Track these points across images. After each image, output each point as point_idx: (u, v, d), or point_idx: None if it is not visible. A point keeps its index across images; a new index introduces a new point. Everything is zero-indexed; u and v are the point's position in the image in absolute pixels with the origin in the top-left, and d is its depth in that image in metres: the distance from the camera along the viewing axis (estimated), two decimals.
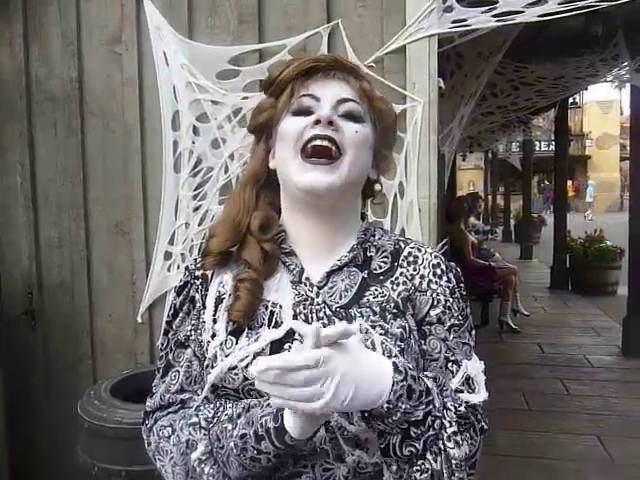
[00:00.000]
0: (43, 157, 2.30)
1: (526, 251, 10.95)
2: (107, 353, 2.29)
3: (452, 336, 0.85)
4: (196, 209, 2.15)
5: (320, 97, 0.84)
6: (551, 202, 19.16)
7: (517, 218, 13.57)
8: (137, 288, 2.22)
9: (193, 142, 2.12)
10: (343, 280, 0.86)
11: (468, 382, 0.83)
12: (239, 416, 0.77)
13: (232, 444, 0.76)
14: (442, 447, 0.74)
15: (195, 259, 0.93)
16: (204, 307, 0.87)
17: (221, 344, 0.82)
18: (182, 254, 2.17)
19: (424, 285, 0.87)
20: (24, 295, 2.32)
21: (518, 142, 12.15)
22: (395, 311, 0.84)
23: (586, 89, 7.83)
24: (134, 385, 1.93)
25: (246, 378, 0.78)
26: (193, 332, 0.87)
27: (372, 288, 0.86)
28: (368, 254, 0.90)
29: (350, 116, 0.84)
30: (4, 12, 2.26)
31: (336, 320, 0.82)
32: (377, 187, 0.97)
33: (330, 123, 0.81)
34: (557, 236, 8.36)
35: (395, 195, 2.00)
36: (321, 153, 0.81)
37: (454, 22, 1.91)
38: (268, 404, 0.74)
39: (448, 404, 0.76)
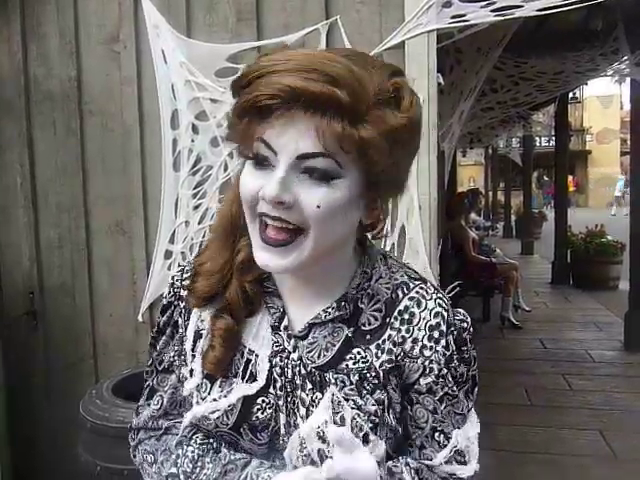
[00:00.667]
0: (42, 157, 2.30)
1: (527, 247, 10.94)
2: (108, 352, 2.29)
3: (443, 405, 0.76)
4: (196, 207, 2.15)
5: (276, 150, 0.64)
6: (552, 197, 19.14)
7: (518, 214, 13.56)
8: (138, 287, 2.22)
9: (192, 140, 2.12)
10: (325, 337, 0.76)
11: (458, 454, 0.77)
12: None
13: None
14: None
15: (182, 270, 0.85)
16: (186, 336, 0.82)
17: (197, 386, 0.79)
18: (182, 252, 2.17)
19: (416, 351, 0.75)
20: (25, 296, 2.32)
21: (518, 138, 12.16)
22: (375, 382, 0.74)
23: (586, 84, 7.83)
24: (136, 384, 1.92)
25: (217, 425, 0.77)
26: (177, 358, 0.83)
27: (355, 351, 0.75)
28: (359, 305, 0.77)
29: (316, 173, 0.64)
30: (2, 11, 2.26)
31: (309, 384, 0.75)
32: (380, 224, 0.78)
33: (280, 203, 0.64)
34: (558, 231, 8.35)
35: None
36: (272, 240, 0.67)
37: (453, 17, 1.90)
38: (244, 466, 0.74)
39: None
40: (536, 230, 12.68)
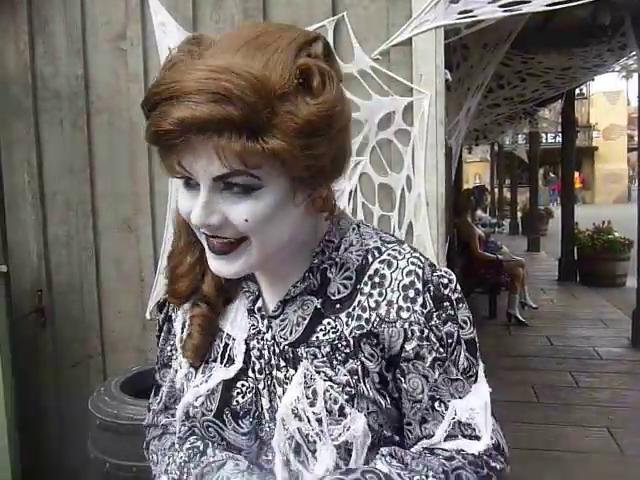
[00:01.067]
0: (50, 155, 2.30)
1: (533, 243, 10.91)
2: (116, 350, 2.30)
3: (437, 372, 0.71)
4: None
5: (194, 176, 0.63)
6: (558, 194, 19.06)
7: (524, 210, 13.52)
8: (145, 284, 2.22)
9: None
10: (295, 311, 0.74)
11: (460, 427, 0.71)
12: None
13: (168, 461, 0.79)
14: None
15: None
16: (175, 330, 0.84)
17: (186, 375, 0.80)
18: None
19: (392, 314, 0.70)
20: (33, 293, 2.33)
21: (524, 134, 12.09)
22: (347, 351, 0.71)
23: (593, 80, 7.78)
24: (144, 381, 1.94)
25: (204, 414, 0.77)
26: (174, 352, 0.85)
27: (325, 321, 0.73)
28: (328, 275, 0.74)
29: (236, 189, 0.62)
30: (9, 10, 2.26)
31: (282, 362, 0.74)
32: (331, 197, 0.73)
33: (209, 226, 0.64)
34: (565, 228, 8.32)
35: (403, 188, 1.99)
36: (218, 249, 0.67)
37: (461, 13, 1.89)
38: (219, 468, 0.74)
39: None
40: (542, 227, 12.66)
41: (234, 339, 0.77)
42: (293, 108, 0.59)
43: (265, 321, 0.76)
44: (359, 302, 0.72)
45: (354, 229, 0.77)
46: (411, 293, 0.70)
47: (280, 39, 0.62)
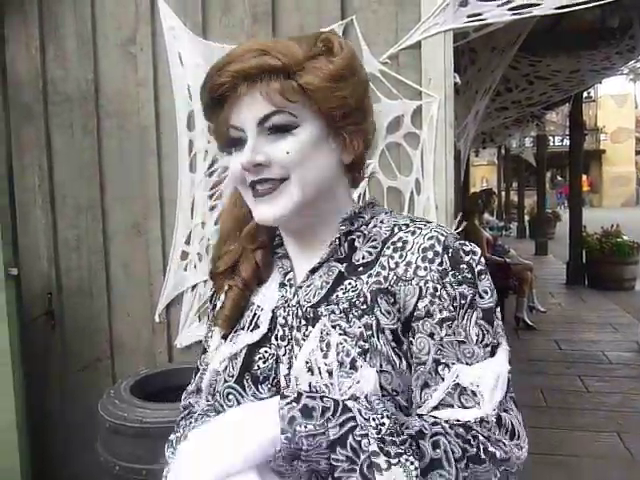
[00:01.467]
0: (60, 158, 2.32)
1: (541, 247, 10.86)
2: (125, 353, 2.31)
3: (444, 332, 0.70)
4: (212, 208, 2.16)
5: (241, 126, 0.74)
6: (565, 197, 18.98)
7: (531, 214, 13.47)
8: (154, 288, 2.23)
9: (208, 142, 2.12)
10: (320, 276, 0.79)
11: (461, 393, 0.69)
12: None
13: None
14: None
15: None
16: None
17: (217, 348, 0.85)
18: (198, 253, 2.18)
19: (410, 273, 0.72)
20: (43, 296, 2.35)
21: (531, 137, 12.06)
22: (364, 307, 0.73)
23: (600, 82, 7.75)
24: (153, 384, 1.94)
25: (226, 380, 0.79)
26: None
27: (346, 282, 0.77)
28: (355, 244, 0.79)
29: (279, 130, 0.73)
30: (20, 15, 2.28)
31: (303, 321, 0.77)
32: (363, 162, 0.83)
33: (258, 165, 0.73)
34: (573, 231, 8.28)
35: (412, 191, 1.99)
36: (260, 192, 0.75)
37: (469, 16, 1.89)
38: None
39: (370, 418, 0.64)
40: (550, 230, 12.60)
41: (262, 309, 0.82)
42: (317, 65, 0.73)
43: (293, 289, 0.81)
44: (380, 263, 0.76)
45: (387, 213, 0.83)
46: (430, 254, 0.72)
47: (307, 36, 0.78)
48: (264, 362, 0.78)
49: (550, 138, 17.74)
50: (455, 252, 0.72)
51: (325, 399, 0.66)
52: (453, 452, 0.64)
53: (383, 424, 0.63)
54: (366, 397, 0.68)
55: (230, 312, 0.82)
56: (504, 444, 0.68)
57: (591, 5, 1.79)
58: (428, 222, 0.79)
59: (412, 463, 0.61)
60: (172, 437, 0.86)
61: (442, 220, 1.94)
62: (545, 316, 6.18)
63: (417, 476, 0.61)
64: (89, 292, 2.32)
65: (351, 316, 0.73)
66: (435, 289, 0.71)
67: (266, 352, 0.78)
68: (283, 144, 0.73)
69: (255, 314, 0.82)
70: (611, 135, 26.61)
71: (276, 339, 0.78)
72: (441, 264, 0.71)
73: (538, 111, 7.31)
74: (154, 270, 2.23)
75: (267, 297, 0.82)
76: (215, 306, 0.90)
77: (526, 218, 14.04)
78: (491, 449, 0.67)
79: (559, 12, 1.88)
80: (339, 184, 0.80)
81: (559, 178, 25.58)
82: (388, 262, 0.75)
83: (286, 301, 0.80)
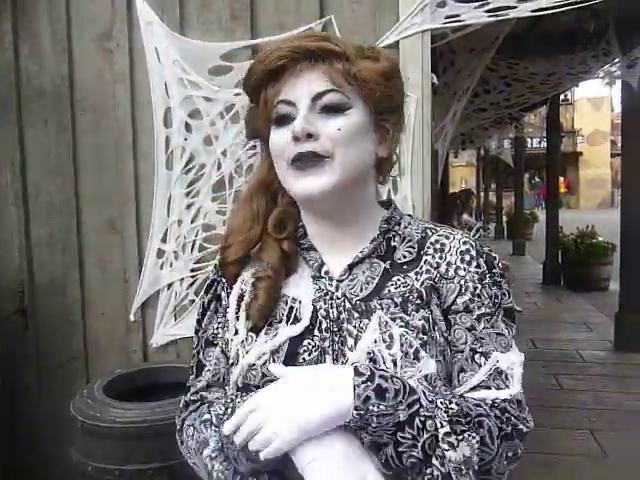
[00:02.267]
0: (34, 154, 2.28)
1: (518, 247, 11.00)
2: (100, 351, 2.27)
3: (482, 326, 0.80)
4: (189, 206, 2.14)
5: (294, 100, 0.78)
6: (543, 199, 19.23)
7: (509, 215, 13.62)
8: (130, 286, 2.20)
9: (185, 139, 2.11)
10: (364, 272, 0.83)
11: (500, 377, 0.78)
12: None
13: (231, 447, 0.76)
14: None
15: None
16: (229, 305, 0.87)
17: (242, 342, 0.83)
18: (175, 252, 2.16)
19: (451, 272, 0.82)
20: (15, 294, 2.30)
21: (510, 139, 12.19)
22: (418, 302, 0.80)
23: (577, 85, 7.87)
24: (127, 384, 1.92)
25: (265, 375, 0.78)
26: (220, 330, 0.88)
27: (394, 279, 0.82)
28: (392, 244, 0.85)
29: (331, 109, 0.78)
30: None
31: (355, 314, 0.79)
32: (393, 158, 0.90)
33: (309, 136, 0.76)
34: (549, 232, 8.39)
35: (389, 191, 1.99)
36: (304, 163, 0.78)
37: (447, 17, 1.90)
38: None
39: (438, 402, 0.71)
40: (527, 231, 12.76)
41: (300, 301, 0.82)
42: (370, 63, 0.80)
43: (334, 282, 0.83)
44: (425, 261, 0.83)
45: (409, 215, 0.92)
46: (467, 257, 0.82)
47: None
48: (309, 354, 0.79)
49: (528, 140, 17.97)
50: (488, 257, 0.84)
51: (395, 379, 0.70)
52: (493, 432, 0.72)
53: (452, 408, 0.70)
54: (430, 381, 0.75)
55: (264, 302, 0.82)
56: (527, 420, 0.78)
57: (565, 9, 1.81)
58: (447, 227, 0.89)
59: (474, 438, 0.70)
60: (188, 430, 0.85)
61: None
62: (521, 315, 6.25)
63: (478, 448, 0.70)
64: (62, 290, 2.29)
65: (409, 310, 0.79)
66: (475, 288, 0.81)
67: (310, 344, 0.79)
68: (335, 121, 0.77)
69: (292, 307, 0.82)
70: (587, 138, 27.06)
71: (320, 331, 0.80)
72: (478, 267, 0.82)
73: (516, 113, 7.40)
74: (129, 268, 2.21)
75: (302, 290, 0.83)
76: (220, 297, 0.89)
77: (504, 219, 14.20)
78: (520, 426, 0.76)
79: (535, 15, 1.90)
80: (371, 176, 0.85)
81: (537, 179, 25.92)
82: (431, 262, 0.83)
83: (326, 294, 0.82)
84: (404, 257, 0.84)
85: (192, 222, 2.13)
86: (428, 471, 0.69)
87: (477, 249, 0.84)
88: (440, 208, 5.14)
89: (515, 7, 1.88)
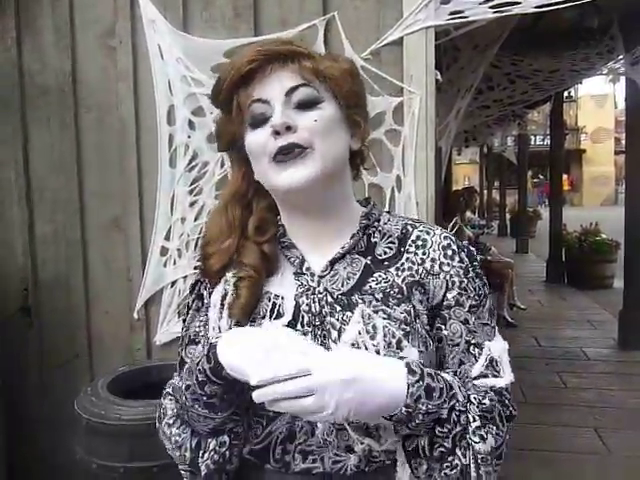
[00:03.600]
0: (37, 152, 2.28)
1: (522, 245, 10.97)
2: (103, 349, 2.28)
3: (473, 318, 0.83)
4: (192, 204, 2.14)
5: (268, 98, 0.80)
6: (546, 196, 19.19)
7: (513, 212, 13.58)
8: (133, 284, 2.21)
9: (189, 136, 2.11)
10: (345, 268, 0.85)
11: (493, 365, 0.82)
12: (188, 371, 0.81)
13: (184, 398, 0.80)
14: (469, 442, 0.74)
15: None
16: (210, 304, 0.88)
17: None
18: (178, 249, 2.16)
19: (436, 268, 0.84)
20: (19, 292, 2.31)
21: (513, 136, 12.16)
22: (399, 296, 0.82)
23: (581, 83, 7.84)
24: (131, 381, 1.92)
25: None
26: (202, 328, 0.89)
27: (375, 274, 0.84)
28: (372, 240, 0.88)
29: (305, 104, 0.80)
30: None
31: (338, 307, 0.81)
32: (365, 152, 0.93)
33: (288, 128, 0.78)
34: (553, 230, 8.37)
35: (392, 188, 1.99)
36: (285, 155, 0.79)
37: (451, 14, 1.89)
38: (202, 351, 0.79)
39: (471, 397, 0.76)
40: (531, 228, 12.72)
41: (282, 297, 0.84)
42: (332, 62, 0.84)
43: (315, 278, 0.85)
44: (407, 258, 0.85)
45: (387, 212, 0.94)
46: (449, 252, 0.85)
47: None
48: None
49: (532, 137, 17.90)
50: (469, 251, 0.87)
51: (438, 378, 0.74)
52: (503, 417, 0.78)
53: (484, 404, 0.76)
54: (456, 372, 0.81)
55: (246, 300, 0.83)
56: (515, 404, 0.82)
57: (569, 5, 1.80)
58: (425, 223, 0.92)
59: (494, 429, 0.75)
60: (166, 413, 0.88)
61: (423, 217, 1.95)
62: (525, 313, 6.25)
63: (501, 436, 0.76)
64: (66, 288, 2.29)
65: (390, 304, 0.81)
66: (461, 282, 0.84)
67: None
68: (310, 114, 0.80)
69: (274, 303, 0.84)
70: (591, 135, 26.96)
71: (302, 325, 0.81)
72: (461, 261, 0.85)
73: (520, 110, 7.38)
74: (133, 266, 2.21)
75: (284, 287, 0.85)
76: (202, 296, 0.90)
77: (507, 216, 14.16)
78: (511, 409, 0.81)
79: (539, 11, 1.89)
80: (347, 170, 0.88)
81: (540, 177, 25.85)
82: (414, 258, 0.85)
83: (308, 289, 0.84)
84: (385, 253, 0.86)
85: (195, 220, 2.13)
86: (449, 459, 0.74)
87: (457, 244, 0.87)
88: (443, 205, 5.13)
89: (519, 3, 1.87)
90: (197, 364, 0.77)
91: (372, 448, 0.78)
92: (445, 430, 0.73)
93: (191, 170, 2.12)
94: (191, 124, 2.10)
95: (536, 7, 1.87)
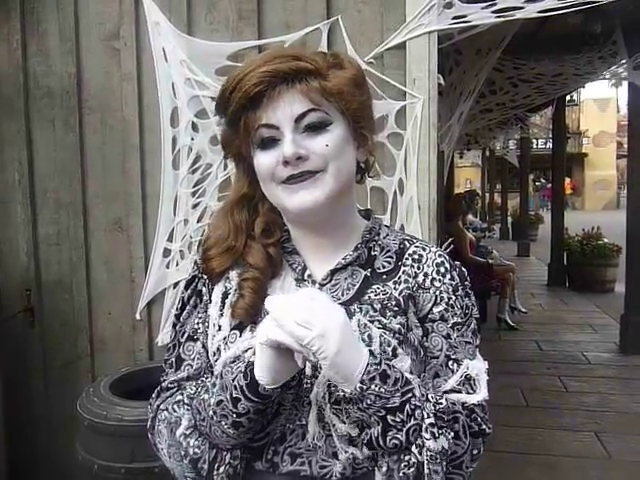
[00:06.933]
0: (41, 154, 2.29)
1: (523, 248, 10.96)
2: (106, 350, 2.28)
3: (455, 334, 0.86)
4: (195, 206, 2.15)
5: (277, 124, 0.80)
6: (548, 200, 19.17)
7: (514, 216, 13.58)
8: (136, 285, 2.21)
9: (192, 139, 2.12)
10: (346, 279, 0.87)
11: (469, 382, 0.84)
12: (214, 385, 0.81)
13: (211, 412, 0.79)
14: (423, 440, 0.75)
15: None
16: (210, 301, 0.89)
17: (224, 338, 0.85)
18: (181, 251, 2.17)
19: (427, 282, 0.87)
20: (22, 293, 2.31)
21: (515, 140, 12.17)
22: (396, 309, 0.84)
23: (583, 87, 7.85)
24: (133, 382, 1.93)
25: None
26: (201, 325, 0.90)
27: (374, 286, 0.86)
28: (372, 253, 0.90)
29: (314, 128, 0.80)
30: (2, 8, 2.25)
31: None
32: (371, 161, 0.94)
33: (299, 158, 0.79)
34: (554, 233, 8.37)
35: (395, 192, 1.99)
36: (299, 179, 0.80)
37: (454, 18, 1.90)
38: (238, 368, 0.78)
39: (429, 396, 0.77)
40: (532, 232, 12.72)
41: None
42: (339, 72, 0.82)
43: (316, 286, 0.87)
44: (404, 271, 0.88)
45: (385, 226, 0.96)
46: (442, 269, 0.88)
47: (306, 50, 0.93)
48: None
49: (534, 141, 17.89)
50: (460, 271, 0.90)
51: (396, 370, 0.76)
52: (465, 429, 0.80)
53: (440, 403, 0.77)
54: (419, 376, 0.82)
55: (250, 301, 0.84)
56: (489, 422, 0.85)
57: (572, 10, 1.81)
58: (421, 240, 0.95)
59: (450, 433, 0.77)
60: (156, 409, 0.88)
61: (425, 221, 1.96)
62: (526, 317, 6.24)
63: (454, 441, 0.77)
64: (69, 289, 2.30)
65: (387, 315, 0.83)
66: (449, 299, 0.87)
67: None
68: (321, 139, 0.80)
69: None
70: (593, 139, 26.92)
71: None
72: (452, 279, 0.88)
73: (522, 114, 7.38)
74: (135, 267, 2.21)
75: (286, 291, 0.86)
76: (200, 292, 0.91)
77: (509, 220, 14.16)
78: (484, 427, 0.83)
79: (541, 16, 1.89)
80: (354, 181, 0.89)
81: (542, 181, 25.83)
82: (410, 272, 0.88)
83: None
84: (383, 267, 0.89)
85: (198, 221, 2.14)
86: (406, 458, 0.76)
87: (450, 263, 0.90)
88: (445, 209, 5.13)
89: (522, 8, 1.88)
90: (232, 380, 0.77)
91: (356, 457, 0.80)
92: (398, 420, 0.74)
93: (194, 172, 2.13)
94: (194, 126, 2.11)
95: (539, 12, 1.88)
